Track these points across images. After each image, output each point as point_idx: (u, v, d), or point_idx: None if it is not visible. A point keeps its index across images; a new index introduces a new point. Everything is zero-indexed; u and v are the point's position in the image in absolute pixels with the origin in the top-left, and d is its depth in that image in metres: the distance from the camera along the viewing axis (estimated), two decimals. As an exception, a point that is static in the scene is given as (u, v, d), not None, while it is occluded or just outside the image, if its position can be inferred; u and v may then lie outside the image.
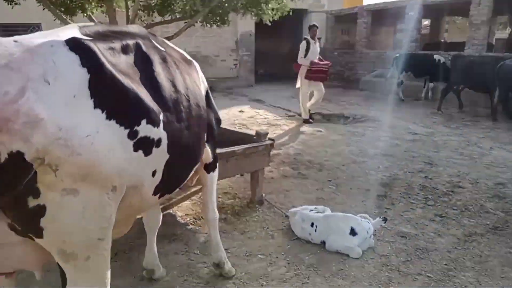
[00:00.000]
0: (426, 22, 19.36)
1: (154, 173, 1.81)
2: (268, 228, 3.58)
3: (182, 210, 3.86)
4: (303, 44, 8.01)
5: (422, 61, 10.94)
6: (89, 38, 1.59)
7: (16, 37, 1.47)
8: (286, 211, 3.82)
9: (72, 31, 1.62)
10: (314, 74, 7.96)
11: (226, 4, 5.84)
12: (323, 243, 3.21)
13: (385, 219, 3.32)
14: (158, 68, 1.94)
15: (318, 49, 8.28)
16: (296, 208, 3.59)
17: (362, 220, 3.19)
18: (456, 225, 3.68)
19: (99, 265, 1.61)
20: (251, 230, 3.51)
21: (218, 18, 6.69)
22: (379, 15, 14.92)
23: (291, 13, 7.32)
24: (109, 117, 1.54)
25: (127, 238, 2.98)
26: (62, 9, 6.08)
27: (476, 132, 7.58)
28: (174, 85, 1.95)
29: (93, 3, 6.25)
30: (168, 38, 5.17)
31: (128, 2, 6.17)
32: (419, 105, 11.02)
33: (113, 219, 1.63)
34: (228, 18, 6.87)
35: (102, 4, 6.31)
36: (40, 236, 1.44)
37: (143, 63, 1.85)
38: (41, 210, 1.40)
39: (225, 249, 3.00)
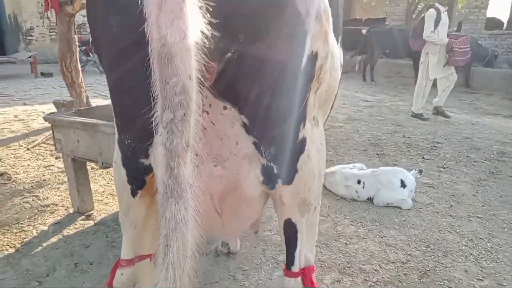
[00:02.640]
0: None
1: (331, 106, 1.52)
2: (304, 191, 3.40)
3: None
4: (431, 14, 5.82)
5: (351, 35, 11.53)
6: None
7: None
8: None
9: None
10: (459, 56, 5.88)
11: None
12: (370, 199, 3.17)
13: (420, 171, 3.40)
14: None
15: (448, 20, 6.03)
16: (331, 169, 3.47)
17: (407, 173, 3.22)
18: (461, 174, 3.97)
19: (317, 218, 1.31)
20: (290, 195, 3.30)
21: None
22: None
23: None
24: (334, 31, 1.21)
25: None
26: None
27: (414, 98, 8.32)
28: None
29: None
30: None
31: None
32: (350, 76, 11.70)
33: None
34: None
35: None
36: (290, 181, 1.08)
37: None
38: (303, 144, 1.05)
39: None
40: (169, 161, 0.66)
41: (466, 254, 2.48)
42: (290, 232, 1.19)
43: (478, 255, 2.48)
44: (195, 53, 0.65)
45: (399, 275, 2.23)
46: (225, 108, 0.91)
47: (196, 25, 0.64)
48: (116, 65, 0.91)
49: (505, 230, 2.81)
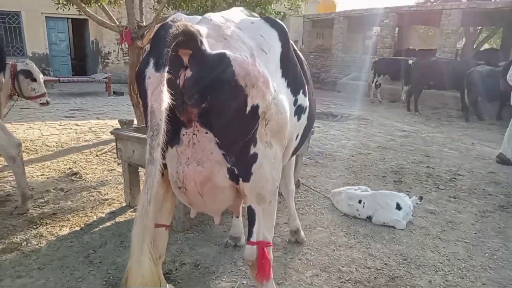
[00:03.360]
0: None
1: (297, 137, 2.12)
2: (313, 206, 3.94)
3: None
4: None
5: (398, 66, 11.78)
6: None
7: (220, 14, 1.74)
8: (325, 193, 4.20)
9: (241, 12, 1.93)
10: None
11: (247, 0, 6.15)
12: (369, 217, 3.62)
13: (420, 198, 3.79)
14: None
15: None
16: (339, 189, 3.97)
17: (404, 197, 3.64)
18: (469, 204, 4.25)
19: (273, 209, 1.89)
20: (300, 208, 3.85)
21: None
22: (354, 21, 15.79)
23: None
24: (288, 86, 1.84)
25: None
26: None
27: (455, 131, 8.42)
28: (302, 63, 2.26)
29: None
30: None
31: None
32: (395, 106, 11.91)
33: None
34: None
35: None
36: (248, 180, 1.70)
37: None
38: (254, 157, 1.68)
39: (285, 223, 3.35)
40: (150, 150, 1.36)
41: (437, 269, 2.87)
42: (251, 214, 1.80)
43: (449, 271, 2.85)
44: (165, 111, 1.34)
45: (369, 278, 2.70)
46: (206, 132, 1.58)
47: (166, 100, 1.33)
48: (144, 109, 1.64)
49: (486, 255, 3.12)
